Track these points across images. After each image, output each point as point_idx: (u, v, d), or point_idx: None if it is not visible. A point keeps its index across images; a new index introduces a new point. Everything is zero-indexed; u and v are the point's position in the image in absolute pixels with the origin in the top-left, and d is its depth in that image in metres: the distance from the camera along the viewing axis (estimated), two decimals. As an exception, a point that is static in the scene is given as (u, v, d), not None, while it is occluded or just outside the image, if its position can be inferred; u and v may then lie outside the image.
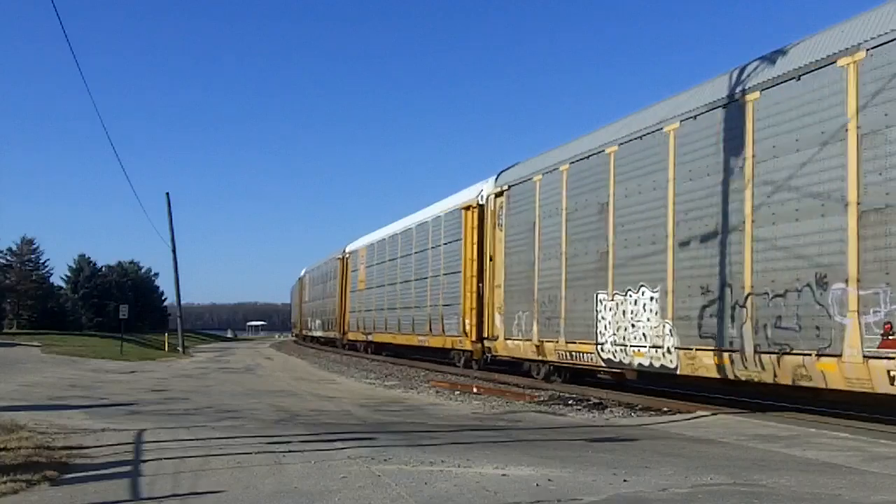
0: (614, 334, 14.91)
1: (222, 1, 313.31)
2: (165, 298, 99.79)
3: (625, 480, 6.78)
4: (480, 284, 21.70)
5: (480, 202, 22.27)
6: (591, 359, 15.69)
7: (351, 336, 39.46)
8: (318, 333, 52.06)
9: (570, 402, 14.32)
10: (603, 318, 15.27)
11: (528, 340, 18.39)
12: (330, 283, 47.19)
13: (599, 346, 15.33)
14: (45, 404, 13.71)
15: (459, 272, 23.43)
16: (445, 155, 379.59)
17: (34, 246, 74.75)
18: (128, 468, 7.42)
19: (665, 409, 13.41)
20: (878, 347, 9.71)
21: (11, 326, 63.69)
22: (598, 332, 15.40)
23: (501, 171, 21.22)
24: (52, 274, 77.39)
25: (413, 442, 9.08)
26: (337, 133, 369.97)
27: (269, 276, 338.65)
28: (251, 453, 8.13)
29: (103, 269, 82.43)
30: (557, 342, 16.97)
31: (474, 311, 22.05)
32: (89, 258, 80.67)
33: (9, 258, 72.20)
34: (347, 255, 41.69)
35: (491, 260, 20.85)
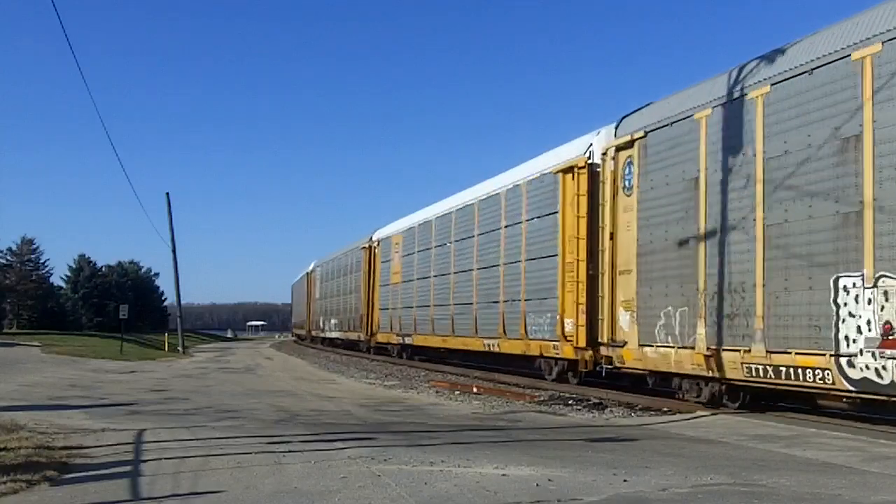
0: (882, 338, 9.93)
1: (222, 1, 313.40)
2: (165, 298, 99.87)
3: (625, 480, 6.78)
4: (591, 272, 16.26)
5: (591, 160, 16.71)
6: (823, 378, 10.56)
7: (381, 338, 33.47)
8: (335, 335, 45.36)
9: (570, 402, 14.31)
10: (852, 314, 10.20)
11: (686, 348, 13.20)
12: (351, 277, 40.82)
13: (843, 360, 10.20)
14: (45, 404, 13.71)
15: (552, 256, 17.86)
16: (446, 155, 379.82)
17: (34, 246, 74.81)
18: (128, 468, 7.42)
19: (665, 409, 13.41)
20: (878, 347, 9.70)
21: (11, 326, 63.68)
22: (841, 336, 10.29)
23: (624, 117, 15.78)
24: (52, 274, 77.48)
25: (413, 442, 9.08)
26: (337, 133, 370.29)
27: (269, 276, 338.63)
28: (251, 453, 8.13)
29: (103, 269, 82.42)
30: (748, 351, 11.82)
31: (582, 308, 16.28)
32: (89, 258, 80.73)
33: (9, 258, 72.22)
34: (375, 244, 35.11)
35: (611, 238, 15.41)
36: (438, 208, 27.38)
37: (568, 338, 16.86)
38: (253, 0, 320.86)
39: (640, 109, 15.53)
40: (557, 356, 17.71)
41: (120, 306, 43.84)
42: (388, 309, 32.50)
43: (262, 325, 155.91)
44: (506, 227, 20.82)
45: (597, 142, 16.68)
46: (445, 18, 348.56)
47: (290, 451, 8.25)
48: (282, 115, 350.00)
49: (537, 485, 6.60)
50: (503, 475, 7.01)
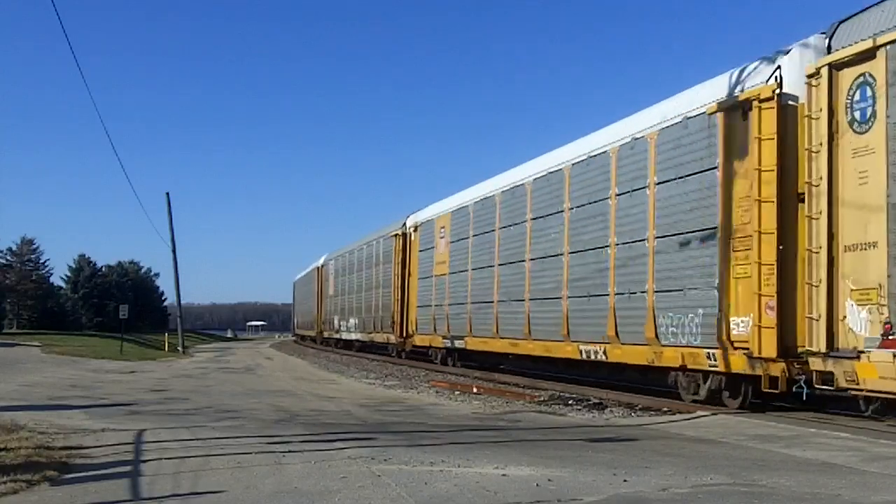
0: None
1: (222, 1, 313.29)
2: (165, 298, 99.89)
3: (625, 480, 6.78)
4: (781, 248, 11.57)
5: (779, 90, 11.83)
6: None
7: (419, 340, 28.14)
8: (356, 336, 39.18)
9: (570, 402, 14.32)
10: None
11: None
12: (377, 270, 34.49)
13: None
14: (45, 404, 13.71)
15: (706, 230, 12.93)
16: (446, 155, 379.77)
17: (34, 246, 74.86)
18: (128, 468, 7.42)
19: (665, 409, 13.41)
20: (878, 347, 9.70)
21: (11, 326, 63.70)
22: None
23: (840, 22, 11.14)
24: (52, 274, 77.54)
25: (413, 442, 9.08)
26: (337, 133, 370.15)
27: (269, 276, 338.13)
28: (251, 453, 8.13)
29: (103, 269, 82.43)
30: None
31: (768, 301, 11.59)
32: (89, 258, 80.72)
33: (9, 258, 72.25)
34: (411, 230, 29.48)
35: (829, 198, 10.77)
36: (502, 181, 21.78)
37: (737, 344, 12.18)
38: (253, 0, 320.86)
39: (869, 9, 10.79)
40: (712, 369, 12.77)
41: (120, 306, 43.86)
42: (429, 306, 26.73)
43: (262, 325, 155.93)
44: (619, 195, 15.43)
45: (788, 64, 11.89)
46: (445, 18, 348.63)
47: (290, 451, 8.25)
48: (282, 115, 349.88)
49: (537, 485, 6.60)
50: (503, 475, 7.02)
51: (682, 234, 13.62)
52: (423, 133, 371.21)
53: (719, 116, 12.80)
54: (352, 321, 40.04)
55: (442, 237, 25.93)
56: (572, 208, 17.41)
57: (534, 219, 19.21)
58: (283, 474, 7.05)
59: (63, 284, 78.12)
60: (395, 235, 31.36)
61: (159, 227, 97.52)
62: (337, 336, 44.23)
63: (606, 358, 15.86)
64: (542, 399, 15.00)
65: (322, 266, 50.93)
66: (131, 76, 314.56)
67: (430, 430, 10.63)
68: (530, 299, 19.03)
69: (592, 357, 16.36)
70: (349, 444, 8.71)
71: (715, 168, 12.80)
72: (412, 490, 6.36)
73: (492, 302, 21.40)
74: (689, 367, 13.45)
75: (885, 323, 9.65)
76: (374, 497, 6.13)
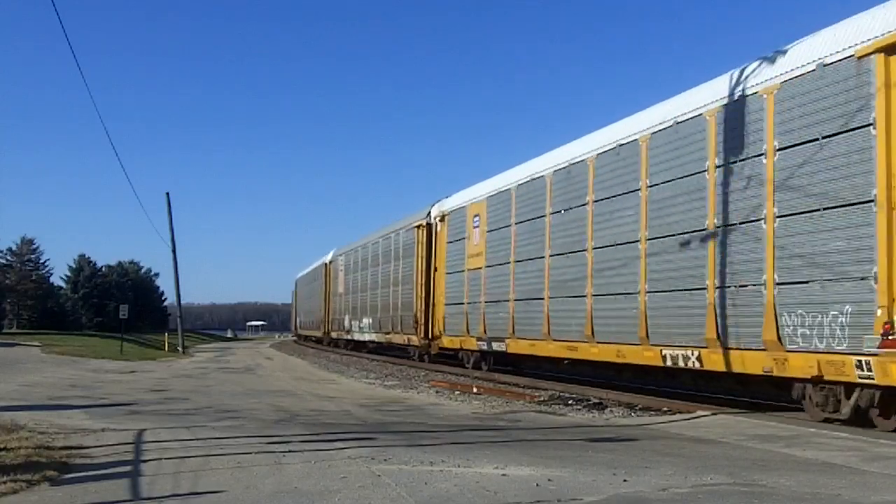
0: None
1: (222, 1, 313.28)
2: (165, 298, 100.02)
3: (625, 480, 6.78)
4: None
5: None
6: None
7: (447, 342, 25.02)
8: (370, 337, 36.11)
9: (570, 402, 14.32)
10: None
11: None
12: (396, 266, 31.45)
13: None
14: (45, 404, 13.71)
15: (856, 205, 10.35)
16: (446, 155, 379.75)
17: (34, 246, 74.98)
18: (128, 468, 7.42)
19: (665, 409, 13.41)
20: (878, 347, 9.69)
21: (11, 326, 63.76)
22: None
23: None
24: (52, 274, 77.68)
25: (413, 442, 9.08)
26: (337, 133, 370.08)
27: (269, 276, 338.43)
28: (251, 453, 8.13)
29: (103, 269, 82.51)
30: None
31: None
32: (89, 258, 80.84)
33: (9, 258, 72.32)
34: (437, 219, 26.38)
35: None
36: (554, 158, 18.68)
37: None
38: (253, 0, 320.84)
39: None
40: (864, 380, 10.16)
41: (120, 306, 43.89)
42: (459, 304, 23.55)
43: (262, 325, 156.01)
44: (719, 167, 12.75)
45: None
46: (445, 18, 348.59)
47: (290, 451, 8.25)
48: (282, 115, 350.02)
49: (537, 485, 6.60)
50: (503, 475, 7.02)
51: (822, 209, 10.70)
52: (423, 133, 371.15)
53: (878, 58, 10.08)
54: (365, 321, 36.61)
55: (476, 226, 22.74)
56: (653, 186, 14.12)
57: (597, 201, 16.19)
58: (283, 474, 7.05)
59: (63, 284, 78.21)
60: (418, 227, 28.03)
61: (159, 227, 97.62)
62: (347, 337, 40.78)
63: (701, 365, 12.90)
64: (542, 399, 15.00)
65: (330, 262, 47.09)
66: (131, 76, 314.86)
67: (430, 430, 10.63)
68: (594, 295, 16.02)
69: (681, 364, 13.39)
70: (349, 444, 8.70)
71: (868, 125, 10.16)
72: (412, 490, 6.36)
73: (541, 299, 18.18)
74: (828, 377, 10.70)
75: (886, 323, 9.65)
76: (374, 497, 6.13)
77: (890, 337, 9.53)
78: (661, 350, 13.87)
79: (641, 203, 14.70)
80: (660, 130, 14.27)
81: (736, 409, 13.05)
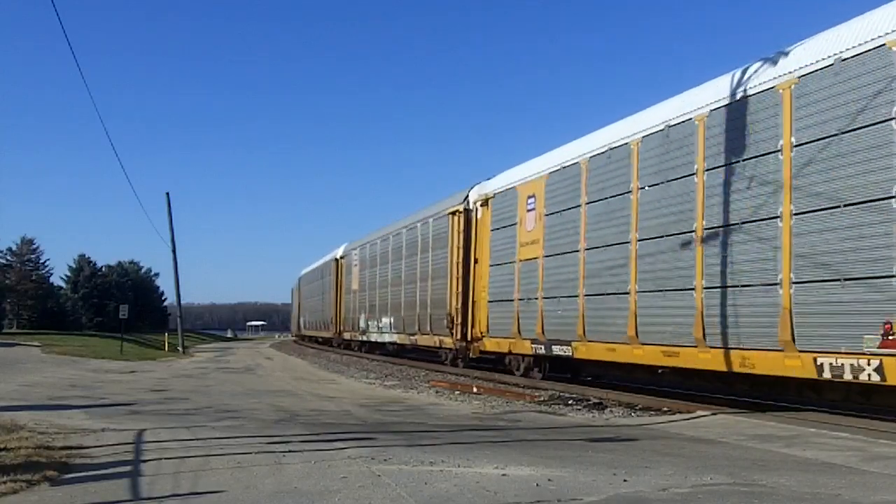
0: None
1: (222, 1, 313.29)
2: (165, 298, 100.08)
3: (625, 480, 6.78)
4: None
5: None
6: None
7: (491, 345, 21.25)
8: (391, 338, 32.07)
9: (570, 402, 14.32)
10: None
11: None
12: (426, 258, 27.23)
13: None
14: (45, 404, 13.71)
15: None
16: (446, 155, 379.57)
17: (34, 246, 75.05)
18: (128, 468, 7.42)
19: (665, 409, 13.41)
20: (878, 347, 9.69)
21: (11, 326, 63.78)
22: None
23: None
24: (52, 274, 77.76)
25: (413, 442, 9.08)
26: (337, 133, 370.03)
27: (269, 276, 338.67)
28: (251, 453, 8.13)
29: (103, 269, 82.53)
30: None
31: None
32: (89, 258, 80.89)
33: (9, 258, 72.38)
34: (479, 203, 22.51)
35: None
36: (642, 121, 15.16)
37: None
38: (253, 0, 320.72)
39: None
40: None
41: (120, 306, 43.90)
42: (507, 301, 19.90)
43: (262, 325, 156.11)
44: None
45: None
46: (445, 18, 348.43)
47: (290, 451, 8.25)
48: (282, 115, 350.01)
49: (537, 485, 6.60)
50: (503, 475, 7.02)
51: None
52: (423, 133, 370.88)
53: None
54: (385, 321, 32.70)
55: (531, 209, 19.00)
56: (801, 144, 11.23)
57: (711, 169, 12.95)
58: (283, 474, 7.05)
59: (63, 284, 78.25)
60: (454, 213, 23.98)
61: (159, 227, 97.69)
62: (362, 338, 36.83)
63: (884, 379, 9.73)
64: (542, 399, 15.00)
65: (342, 257, 42.84)
66: (131, 76, 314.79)
67: (430, 430, 10.63)
68: (705, 288, 12.85)
69: (848, 376, 10.20)
70: (349, 444, 8.71)
71: None
72: (412, 490, 6.36)
73: (626, 293, 14.80)
74: None
75: (885, 323, 9.64)
76: (374, 497, 6.13)
77: (890, 337, 9.53)
78: (813, 358, 10.66)
79: (784, 166, 11.42)
80: (815, 72, 11.16)
81: (736, 409, 13.04)
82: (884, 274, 9.79)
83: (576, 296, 16.65)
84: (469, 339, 22.57)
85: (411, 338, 28.98)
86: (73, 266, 79.46)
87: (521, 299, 19.24)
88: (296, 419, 11.75)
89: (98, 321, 72.45)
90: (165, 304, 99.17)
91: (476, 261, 22.34)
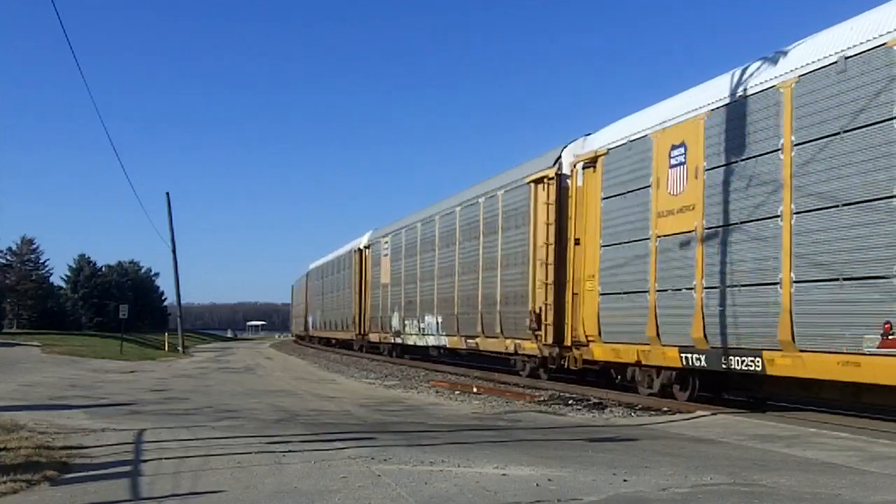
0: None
1: (222, 1, 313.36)
2: (165, 298, 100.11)
3: (625, 480, 6.78)
4: None
5: None
6: None
7: (603, 352, 15.83)
8: (436, 340, 26.53)
9: (570, 402, 14.31)
10: None
11: None
12: (494, 241, 21.32)
13: None
14: (45, 404, 13.71)
15: None
16: (446, 155, 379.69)
17: (34, 246, 75.10)
18: (128, 468, 7.42)
19: (665, 408, 13.40)
20: (878, 347, 9.69)
21: (11, 326, 63.80)
22: None
23: None
24: (52, 274, 77.83)
25: (413, 442, 9.08)
26: (337, 133, 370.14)
27: (269, 276, 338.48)
28: (251, 453, 8.13)
29: (103, 269, 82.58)
30: None
31: None
32: (89, 258, 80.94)
33: (9, 258, 72.41)
34: (581, 166, 16.92)
35: None
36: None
37: None
38: (253, 0, 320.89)
39: None
40: None
41: (120, 306, 43.89)
42: (632, 293, 14.72)
43: (262, 325, 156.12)
44: None
45: None
46: (445, 18, 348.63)
47: (290, 451, 8.25)
48: (282, 115, 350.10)
49: (537, 485, 6.60)
50: (503, 475, 7.02)
51: None
52: (423, 133, 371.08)
53: None
54: (429, 320, 26.90)
55: (676, 163, 13.75)
56: None
57: None
58: (283, 474, 7.05)
59: (63, 284, 78.28)
60: (538, 182, 18.32)
61: (159, 227, 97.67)
62: (395, 340, 31.46)
63: None
64: (542, 399, 14.99)
65: (367, 246, 36.96)
66: (131, 76, 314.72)
67: (430, 430, 10.63)
68: None
69: None
70: (349, 444, 8.71)
71: None
72: (412, 490, 6.36)
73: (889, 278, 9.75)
74: None
75: (885, 323, 9.64)
76: (374, 497, 6.13)
77: (890, 337, 9.53)
78: None
79: None
80: None
81: (736, 409, 13.04)
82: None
83: (775, 283, 11.44)
84: (565, 343, 17.05)
85: (470, 341, 23.11)
86: (73, 266, 79.49)
87: (661, 290, 13.84)
88: (296, 419, 11.75)
89: (98, 321, 72.47)
90: (165, 304, 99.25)
91: (577, 241, 16.75)
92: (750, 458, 8.19)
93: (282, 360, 35.55)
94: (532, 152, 19.65)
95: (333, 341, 46.55)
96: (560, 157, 18.03)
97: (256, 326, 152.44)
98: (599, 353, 15.89)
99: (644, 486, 6.54)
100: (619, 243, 15.29)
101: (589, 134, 17.39)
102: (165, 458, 7.82)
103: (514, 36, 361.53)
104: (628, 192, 15.07)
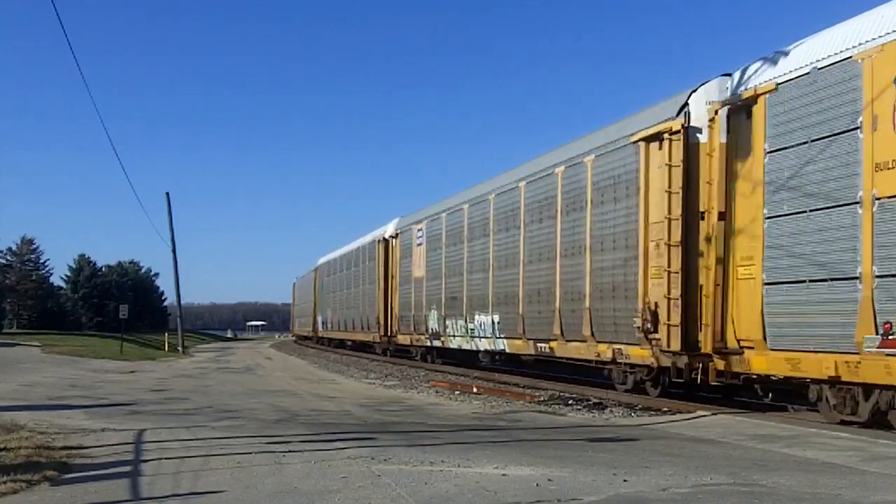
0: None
1: (222, 1, 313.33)
2: (165, 298, 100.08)
3: (625, 480, 6.78)
4: None
5: None
6: None
7: (769, 363, 11.63)
8: (491, 345, 21.68)
9: (570, 402, 14.32)
10: None
11: None
12: (584, 219, 16.47)
13: None
14: (45, 404, 13.72)
15: None
16: (446, 155, 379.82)
17: (34, 246, 75.05)
18: (128, 468, 7.43)
19: (665, 409, 13.40)
20: (878, 347, 9.68)
21: (11, 326, 63.78)
22: None
23: None
24: (52, 274, 77.76)
25: (413, 442, 9.08)
26: (337, 133, 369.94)
27: (269, 276, 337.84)
28: (251, 453, 8.13)
29: (103, 269, 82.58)
30: None
31: None
32: (89, 258, 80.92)
33: (9, 258, 72.38)
34: (724, 111, 12.89)
35: None
36: None
37: None
38: (253, 0, 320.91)
39: None
40: None
41: (120, 306, 43.89)
42: (828, 280, 10.75)
43: (262, 325, 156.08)
44: None
45: None
46: (445, 18, 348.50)
47: (290, 451, 8.26)
48: (282, 115, 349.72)
49: (537, 485, 6.60)
50: (503, 475, 7.02)
51: None
52: (423, 133, 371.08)
53: None
54: (481, 319, 22.09)
55: None
56: None
57: None
58: (283, 474, 7.05)
59: (63, 284, 78.26)
60: (653, 139, 14.06)
61: (159, 227, 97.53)
62: (433, 343, 26.76)
63: None
64: (542, 399, 15.00)
65: (395, 235, 32.14)
66: (131, 76, 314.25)
67: (430, 430, 10.63)
68: None
69: None
70: (349, 444, 8.71)
71: None
72: (412, 490, 6.36)
73: None
74: None
75: (885, 323, 9.63)
76: (374, 497, 6.13)
77: (890, 337, 9.53)
78: None
79: None
80: None
81: (736, 409, 13.04)
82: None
83: None
84: (704, 350, 13.02)
85: (541, 345, 18.40)
86: (73, 266, 79.49)
87: (885, 276, 9.86)
88: (296, 419, 11.76)
89: (98, 321, 72.46)
90: (165, 304, 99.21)
91: (720, 216, 12.84)
92: (750, 459, 8.20)
93: (282, 361, 35.56)
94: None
95: (349, 343, 41.96)
96: (687, 104, 13.81)
97: (256, 326, 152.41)
98: (762, 364, 11.81)
99: (644, 486, 6.54)
100: (801, 212, 11.26)
101: (728, 73, 13.39)
102: (165, 459, 7.82)
103: (513, 36, 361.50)
104: (818, 138, 11.00)
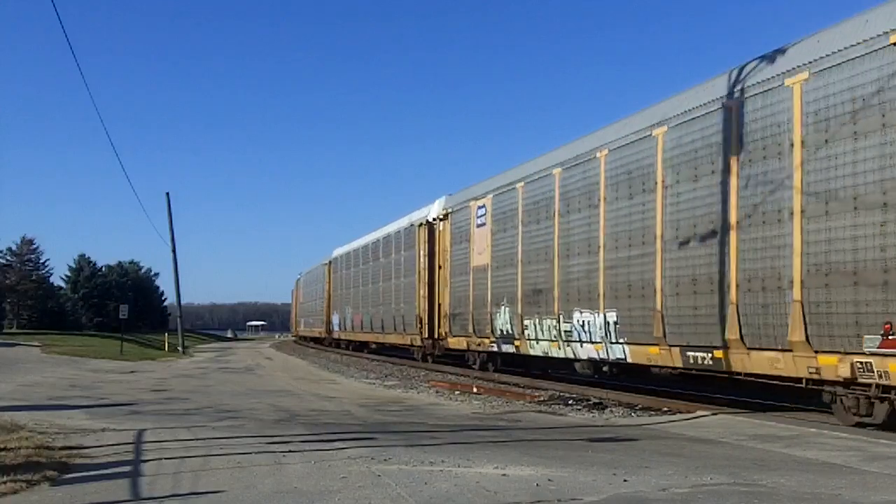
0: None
1: (223, 1, 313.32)
2: (165, 298, 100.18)
3: (625, 480, 6.78)
4: None
5: None
6: None
7: None
8: (599, 352, 16.00)
9: (570, 402, 14.32)
10: None
11: None
12: (792, 163, 10.91)
13: None
14: (45, 404, 13.72)
15: None
16: (446, 155, 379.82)
17: (34, 246, 75.06)
18: (128, 468, 7.42)
19: (665, 409, 13.41)
20: (878, 347, 9.69)
21: (11, 326, 63.79)
22: None
23: None
24: (52, 274, 77.77)
25: (413, 442, 9.08)
26: (337, 133, 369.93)
27: (269, 276, 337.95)
28: (251, 453, 8.13)
29: (103, 269, 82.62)
30: None
31: None
32: (89, 258, 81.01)
33: (9, 258, 72.38)
34: None
35: None
36: None
37: None
38: (254, 0, 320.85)
39: None
40: None
41: (120, 306, 43.85)
42: None
43: (262, 325, 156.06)
44: None
45: None
46: (446, 18, 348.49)
47: (290, 451, 8.26)
48: (282, 115, 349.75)
49: (537, 485, 6.60)
50: (503, 475, 7.02)
51: None
52: (423, 133, 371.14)
53: None
54: (584, 318, 16.60)
55: None
56: None
57: None
58: (283, 474, 7.05)
59: (63, 284, 78.30)
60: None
61: (159, 227, 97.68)
62: (504, 348, 20.92)
63: None
64: (542, 399, 15.00)
65: (441, 217, 25.88)
66: (131, 76, 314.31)
67: (430, 430, 10.63)
68: None
69: None
70: (349, 444, 8.71)
71: None
72: (412, 490, 6.36)
73: None
74: None
75: (885, 323, 9.64)
76: (374, 497, 6.13)
77: (890, 337, 9.53)
78: None
79: None
80: None
81: (736, 409, 13.04)
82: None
83: None
84: None
85: (697, 354, 13.06)
86: (73, 266, 79.54)
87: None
88: (296, 419, 11.75)
89: (98, 321, 72.50)
90: (165, 304, 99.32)
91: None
92: (750, 459, 8.19)
93: (282, 361, 35.55)
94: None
95: (374, 346, 36.62)
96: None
97: (256, 326, 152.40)
98: None
99: (644, 486, 6.54)
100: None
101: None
102: (166, 459, 7.82)
103: (513, 36, 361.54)
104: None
